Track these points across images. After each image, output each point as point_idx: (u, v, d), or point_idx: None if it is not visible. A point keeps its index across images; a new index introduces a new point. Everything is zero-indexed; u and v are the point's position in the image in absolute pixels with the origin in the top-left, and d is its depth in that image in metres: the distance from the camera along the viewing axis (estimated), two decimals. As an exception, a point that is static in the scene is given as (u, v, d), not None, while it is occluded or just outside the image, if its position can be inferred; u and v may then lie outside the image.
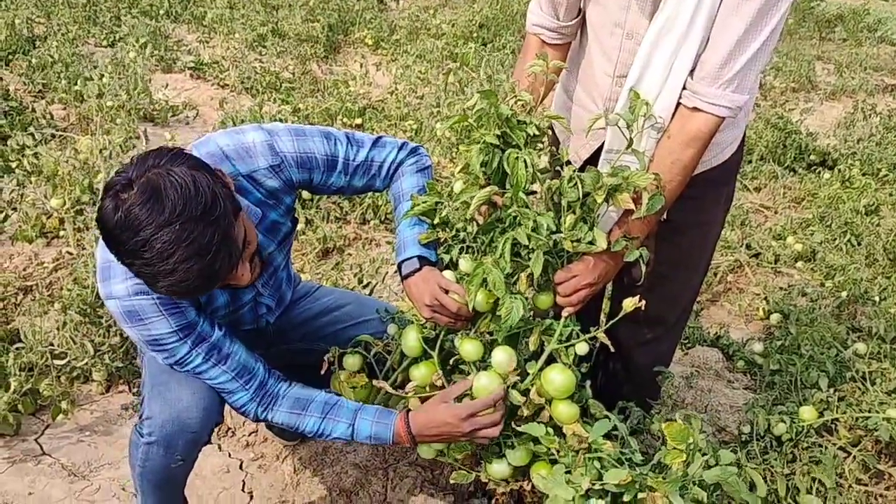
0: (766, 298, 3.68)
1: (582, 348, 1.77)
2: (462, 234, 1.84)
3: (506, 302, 1.68)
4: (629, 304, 1.72)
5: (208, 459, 2.47)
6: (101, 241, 1.62)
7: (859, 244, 4.25)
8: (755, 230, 4.41)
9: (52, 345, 2.69)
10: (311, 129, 1.86)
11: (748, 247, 4.18)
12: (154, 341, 1.69)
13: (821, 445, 2.39)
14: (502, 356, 1.75)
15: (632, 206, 1.70)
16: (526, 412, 1.79)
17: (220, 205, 1.46)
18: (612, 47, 1.85)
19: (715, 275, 3.89)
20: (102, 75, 5.11)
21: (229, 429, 2.60)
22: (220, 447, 2.54)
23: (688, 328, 3.32)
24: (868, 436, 2.38)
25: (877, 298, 3.60)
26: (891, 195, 4.84)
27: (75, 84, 5.04)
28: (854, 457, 2.34)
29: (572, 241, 1.73)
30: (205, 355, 1.73)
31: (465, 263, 1.80)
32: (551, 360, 1.79)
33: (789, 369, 2.83)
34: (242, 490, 2.39)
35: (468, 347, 1.79)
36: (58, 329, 2.74)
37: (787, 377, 2.80)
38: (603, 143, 1.95)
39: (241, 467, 2.47)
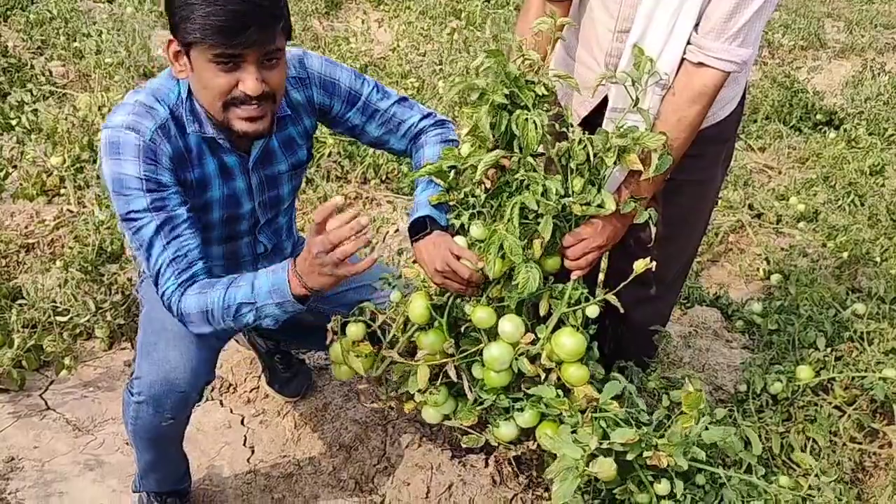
0: (766, 259, 3.67)
1: (592, 311, 1.76)
2: (472, 200, 1.80)
3: (521, 271, 1.66)
4: (640, 265, 1.69)
5: (210, 415, 2.51)
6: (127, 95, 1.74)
7: (862, 205, 4.23)
8: (758, 190, 4.39)
9: (54, 302, 2.71)
10: (345, 65, 1.93)
11: (750, 207, 4.17)
12: (119, 182, 1.66)
13: (816, 404, 2.41)
14: (509, 326, 1.73)
15: (640, 166, 1.68)
16: (542, 375, 1.78)
17: (284, 4, 1.60)
18: (613, 1, 1.83)
19: (716, 235, 3.88)
20: (101, 32, 5.05)
21: (231, 385, 2.63)
22: (221, 403, 2.58)
23: (687, 287, 3.33)
24: (863, 395, 2.39)
25: (878, 259, 3.59)
26: (896, 155, 4.81)
27: (74, 40, 5.00)
28: (849, 416, 2.36)
29: (581, 205, 1.72)
30: (158, 225, 1.67)
31: (476, 229, 1.76)
32: (559, 322, 1.78)
33: (787, 329, 2.83)
34: (244, 445, 2.43)
35: (481, 315, 1.76)
36: (60, 286, 2.75)
37: (785, 337, 2.81)
38: (602, 100, 1.94)
39: (242, 423, 2.51)
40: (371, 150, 3.97)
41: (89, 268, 2.83)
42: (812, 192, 4.36)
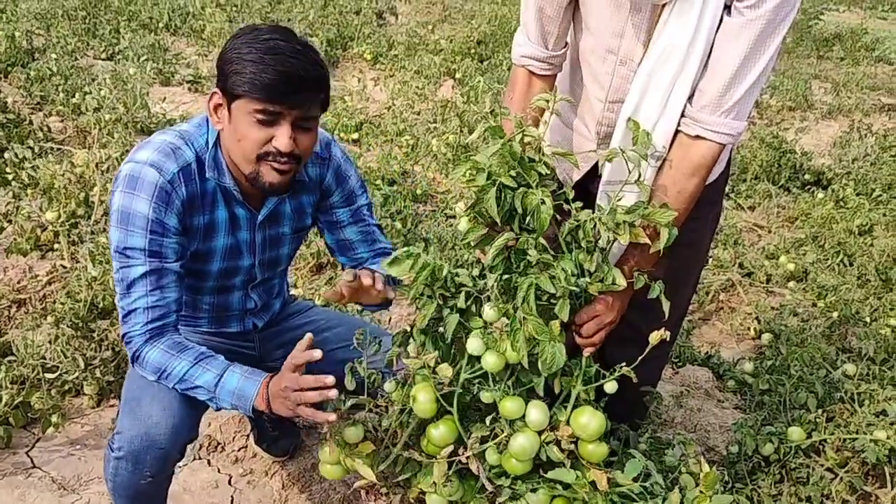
0: (757, 318, 3.69)
1: (611, 387, 1.72)
2: (481, 283, 1.71)
3: (545, 348, 1.62)
4: (655, 337, 1.68)
5: (197, 475, 2.48)
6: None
7: (851, 264, 4.27)
8: (748, 249, 4.43)
9: (44, 358, 2.69)
10: (357, 170, 2.09)
11: (741, 266, 4.20)
12: (125, 215, 1.71)
13: (808, 466, 2.40)
14: (537, 414, 1.66)
15: (647, 240, 1.67)
16: (567, 462, 1.70)
17: (326, 74, 1.74)
18: (603, 73, 1.86)
19: (707, 294, 3.90)
20: (101, 88, 5.13)
21: (218, 444, 2.60)
22: (208, 462, 2.55)
23: (679, 346, 3.33)
24: (855, 457, 2.39)
25: (868, 319, 3.61)
26: (884, 215, 4.87)
27: (73, 97, 5.07)
28: (841, 478, 2.35)
29: (596, 282, 1.69)
30: (148, 270, 1.73)
31: (490, 312, 1.67)
32: (568, 396, 1.74)
33: (778, 389, 2.84)
34: (231, 505, 2.40)
35: (510, 405, 1.66)
36: (50, 342, 2.74)
37: (777, 397, 2.81)
38: (593, 166, 1.97)
39: (229, 482, 2.48)
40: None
41: (80, 324, 2.82)
42: (801, 252, 4.40)
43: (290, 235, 2.03)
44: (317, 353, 1.70)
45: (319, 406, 1.69)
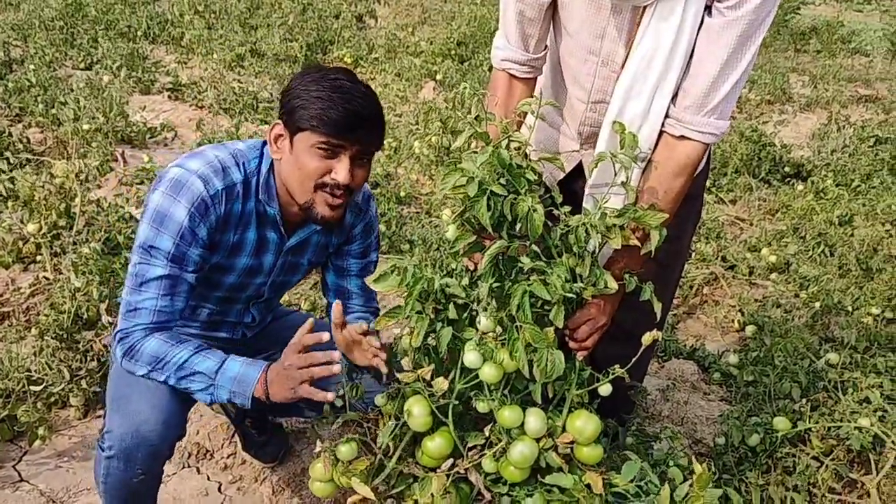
0: (741, 310, 3.72)
1: (606, 390, 1.72)
2: (471, 295, 1.70)
3: (543, 355, 1.61)
4: (648, 338, 1.67)
5: (186, 482, 2.47)
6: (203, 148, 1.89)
7: (832, 255, 4.31)
8: (730, 242, 4.47)
9: (28, 371, 2.68)
10: (379, 232, 2.22)
11: (723, 259, 4.23)
12: (161, 216, 1.74)
13: (794, 456, 2.42)
14: (535, 422, 1.65)
15: (637, 242, 1.68)
16: (565, 467, 1.70)
17: (383, 116, 1.83)
18: (585, 74, 1.87)
19: (691, 287, 3.93)
20: (79, 99, 5.10)
21: (207, 451, 2.60)
22: (198, 470, 2.54)
23: (664, 341, 3.36)
24: (840, 445, 2.41)
25: (849, 308, 3.65)
26: (863, 206, 4.92)
27: (52, 108, 5.04)
28: (826, 466, 2.37)
29: (590, 286, 1.70)
30: (165, 274, 1.76)
31: (486, 322, 1.66)
32: (562, 399, 1.74)
33: (763, 380, 2.86)
34: (221, 513, 2.39)
35: (508, 414, 1.65)
36: (35, 355, 2.73)
37: (762, 388, 2.84)
38: (577, 165, 1.98)
39: (219, 490, 2.47)
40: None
41: (65, 335, 2.81)
42: (783, 244, 4.44)
43: (306, 266, 2.09)
44: (325, 336, 1.75)
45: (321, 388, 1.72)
